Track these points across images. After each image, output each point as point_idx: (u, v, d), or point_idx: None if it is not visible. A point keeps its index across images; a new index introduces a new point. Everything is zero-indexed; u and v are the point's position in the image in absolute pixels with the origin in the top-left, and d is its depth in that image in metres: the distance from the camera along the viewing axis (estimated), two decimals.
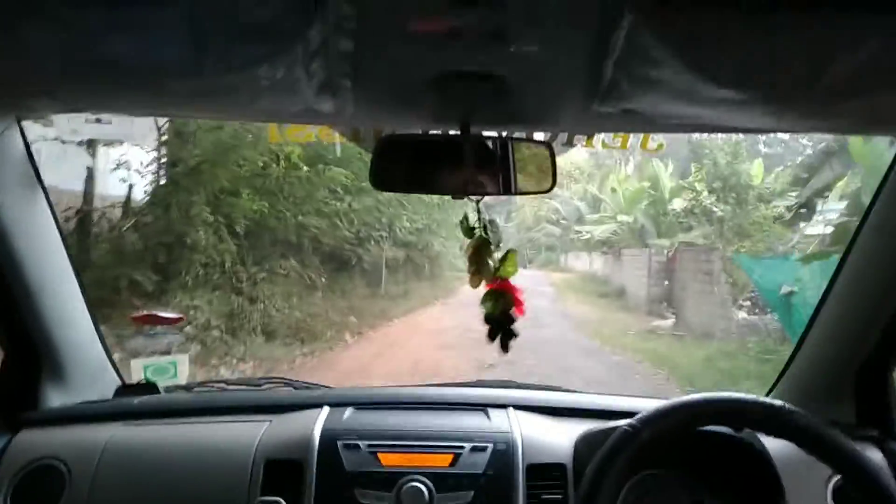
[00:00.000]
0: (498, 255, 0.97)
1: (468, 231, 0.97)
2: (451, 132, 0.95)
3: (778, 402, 0.86)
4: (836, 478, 1.08)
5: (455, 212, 13.58)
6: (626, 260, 16.50)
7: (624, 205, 17.31)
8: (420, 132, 0.95)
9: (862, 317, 1.03)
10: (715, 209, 11.17)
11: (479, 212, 0.95)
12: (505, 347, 0.98)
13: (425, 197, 12.05)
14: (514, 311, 0.97)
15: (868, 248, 1.08)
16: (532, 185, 1.02)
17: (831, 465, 0.84)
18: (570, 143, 1.00)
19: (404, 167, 1.00)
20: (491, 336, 0.97)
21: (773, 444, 1.05)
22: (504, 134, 0.96)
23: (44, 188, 1.07)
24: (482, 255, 0.97)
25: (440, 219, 14.86)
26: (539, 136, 0.96)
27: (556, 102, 0.82)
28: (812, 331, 1.12)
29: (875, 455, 1.04)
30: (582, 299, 14.44)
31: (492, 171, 1.00)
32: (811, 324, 1.13)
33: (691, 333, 8.81)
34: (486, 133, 0.97)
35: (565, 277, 22.92)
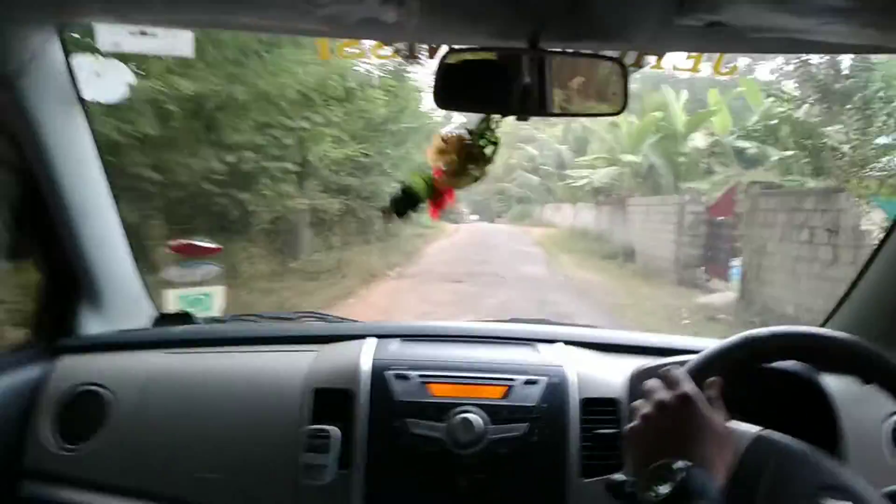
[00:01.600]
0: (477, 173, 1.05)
1: (481, 134, 1.04)
2: (519, 49, 0.98)
3: (855, 339, 0.89)
4: (894, 418, 1.14)
5: (418, 148, 12.29)
6: (634, 210, 14.08)
7: (628, 142, 15.01)
8: (485, 49, 0.92)
9: None
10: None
11: (497, 123, 1.04)
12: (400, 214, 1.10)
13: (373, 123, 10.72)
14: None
15: None
16: (601, 106, 1.07)
17: None
18: (637, 65, 0.97)
19: (469, 84, 1.01)
20: (389, 213, 1.10)
21: (828, 381, 1.12)
22: (573, 50, 1.02)
23: (84, 106, 1.05)
24: (470, 161, 1.05)
25: (397, 156, 12.41)
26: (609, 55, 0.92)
27: (634, 14, 0.81)
28: (873, 265, 1.28)
29: None
30: (581, 262, 12.77)
31: (562, 90, 1.03)
32: (873, 257, 1.27)
33: (779, 316, 6.89)
34: (555, 50, 1.00)
35: (549, 233, 21.01)
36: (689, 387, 0.80)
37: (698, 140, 13.03)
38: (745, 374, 0.94)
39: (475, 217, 36.87)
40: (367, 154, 10.42)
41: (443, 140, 1.04)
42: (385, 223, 12.08)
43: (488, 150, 1.04)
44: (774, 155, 10.26)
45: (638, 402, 0.83)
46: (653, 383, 0.83)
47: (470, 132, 1.02)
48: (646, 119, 13.84)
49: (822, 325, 1.32)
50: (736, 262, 8.89)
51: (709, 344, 0.94)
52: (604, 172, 15.67)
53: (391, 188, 11.91)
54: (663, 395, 0.80)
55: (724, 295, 8.41)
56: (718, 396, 0.82)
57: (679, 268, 10.68)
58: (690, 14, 0.80)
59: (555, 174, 22.26)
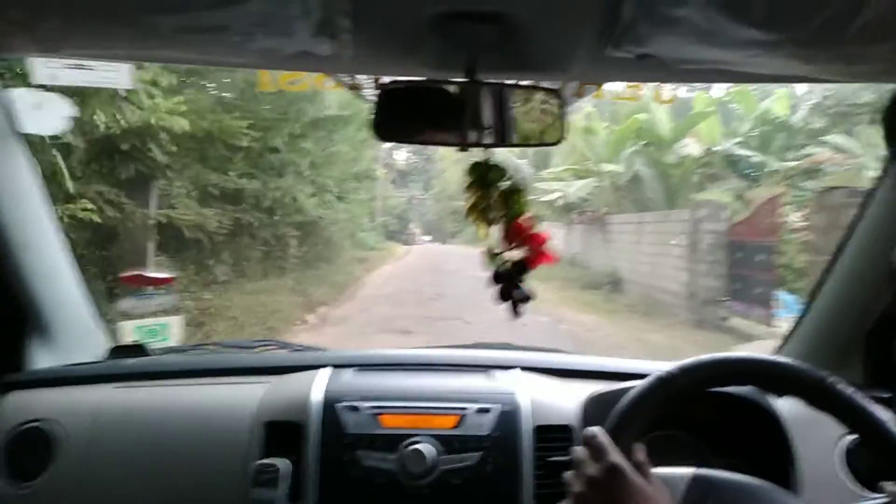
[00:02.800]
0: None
1: (480, 179, 1.04)
2: (456, 80, 1.05)
3: (821, 372, 0.94)
4: (846, 439, 1.22)
5: (339, 166, 11.59)
6: (619, 230, 13.39)
7: (607, 150, 14.17)
8: (423, 80, 0.96)
9: (873, 278, 1.12)
10: None
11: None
12: (515, 310, 1.03)
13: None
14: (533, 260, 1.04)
15: (882, 208, 1.27)
16: (542, 136, 1.14)
17: (846, 423, 0.93)
18: (579, 95, 1.03)
19: (408, 116, 1.09)
20: (503, 296, 1.03)
21: (780, 403, 1.20)
22: (511, 82, 1.15)
23: (22, 139, 1.10)
24: (511, 202, 1.03)
25: (321, 153, 10.78)
26: (547, 86, 0.98)
27: (566, 47, 0.88)
28: (822, 291, 1.26)
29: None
30: (560, 294, 11.33)
31: (499, 121, 1.11)
32: (821, 283, 1.44)
33: None
34: (491, 81, 1.09)
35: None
36: (614, 457, 0.88)
37: (691, 147, 12.52)
38: (696, 397, 1.03)
39: (427, 238, 36.47)
40: (272, 148, 8.36)
41: (476, 210, 1.05)
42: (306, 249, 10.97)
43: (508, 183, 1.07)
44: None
45: (569, 476, 0.92)
46: (580, 454, 0.92)
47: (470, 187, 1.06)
48: (625, 124, 13.37)
49: (778, 351, 1.39)
50: (787, 296, 8.03)
51: (663, 366, 1.00)
52: (580, 185, 14.98)
53: (313, 198, 10.25)
54: (591, 470, 0.89)
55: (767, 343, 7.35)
56: (645, 459, 0.91)
57: (693, 303, 9.30)
58: (621, 47, 0.88)
59: None
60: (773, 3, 0.71)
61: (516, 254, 1.03)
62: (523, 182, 1.06)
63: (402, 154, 39.23)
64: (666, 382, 0.95)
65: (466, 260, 17.37)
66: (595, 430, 0.91)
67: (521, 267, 1.02)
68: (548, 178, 16.89)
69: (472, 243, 26.03)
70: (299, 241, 10.66)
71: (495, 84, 1.08)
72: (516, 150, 19.25)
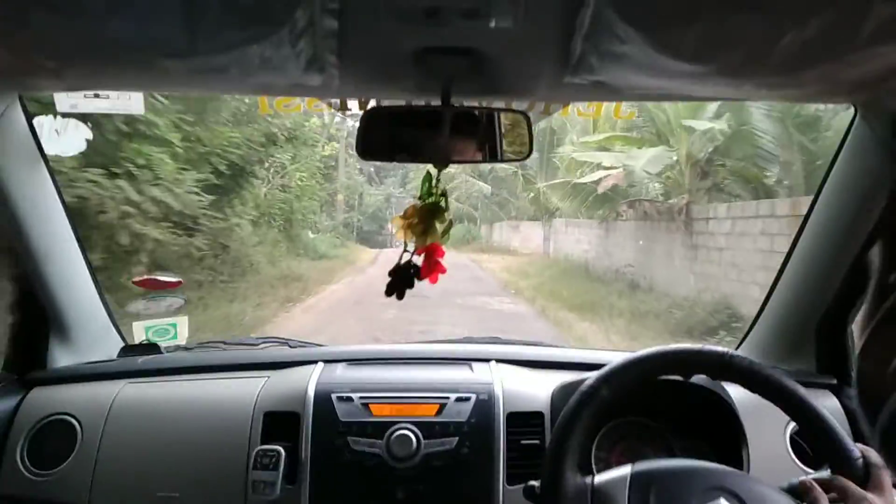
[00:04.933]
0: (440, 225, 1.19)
1: (427, 193, 1.17)
2: (434, 104, 1.14)
3: (722, 349, 1.07)
4: (793, 423, 1.31)
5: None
6: (717, 229, 8.63)
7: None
8: (403, 103, 1.07)
9: (822, 272, 1.31)
10: None
11: (437, 179, 1.17)
12: (401, 296, 1.17)
13: None
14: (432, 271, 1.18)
15: (829, 205, 1.36)
16: (511, 152, 1.26)
17: (782, 407, 1.03)
18: (546, 112, 1.15)
19: (389, 137, 1.20)
20: (391, 289, 1.17)
21: (736, 392, 1.29)
22: (484, 104, 1.29)
23: (46, 160, 1.22)
24: (432, 218, 1.17)
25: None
26: (518, 105, 1.08)
27: (530, 75, 1.01)
28: (777, 286, 1.38)
29: (831, 402, 1.23)
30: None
31: (473, 140, 1.22)
32: (777, 280, 1.30)
33: None
34: (466, 104, 1.22)
35: (517, 266, 13.68)
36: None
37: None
38: (648, 386, 1.13)
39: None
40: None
41: (402, 217, 1.22)
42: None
43: (442, 203, 1.22)
44: None
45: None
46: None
47: (420, 197, 1.21)
48: None
49: (735, 349, 1.49)
50: None
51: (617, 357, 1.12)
52: (651, 155, 9.46)
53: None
54: None
55: None
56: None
57: None
58: (577, 75, 0.99)
59: (519, 179, 17.48)
60: (699, 40, 0.81)
61: (419, 261, 1.17)
62: (452, 224, 1.16)
63: None
64: (591, 395, 1.03)
65: (455, 271, 10.23)
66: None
67: (416, 272, 1.16)
68: (582, 152, 11.54)
69: (459, 247, 19.84)
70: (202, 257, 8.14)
71: (469, 107, 1.20)
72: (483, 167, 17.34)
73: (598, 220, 11.77)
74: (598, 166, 10.69)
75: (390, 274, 1.18)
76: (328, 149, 19.82)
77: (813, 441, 1.01)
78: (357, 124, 1.18)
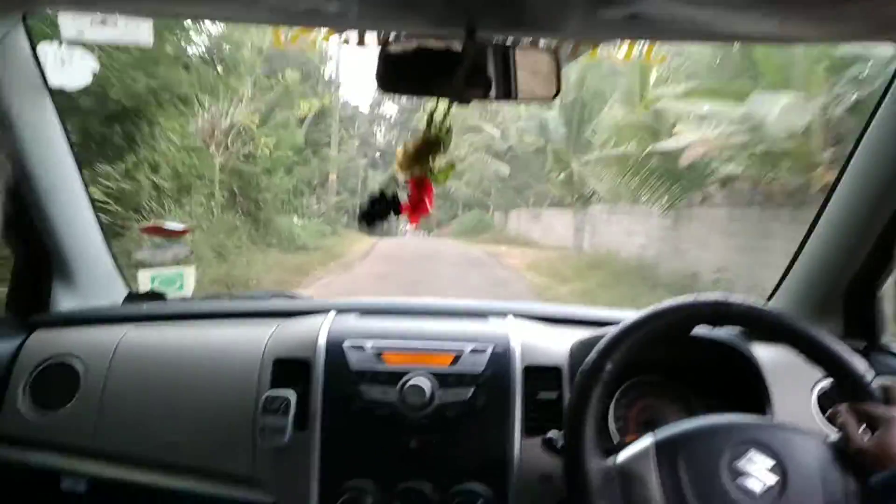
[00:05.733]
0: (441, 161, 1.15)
1: (430, 124, 1.14)
2: (456, 37, 1.09)
3: (763, 305, 1.03)
4: (821, 384, 1.29)
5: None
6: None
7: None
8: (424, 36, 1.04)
9: (853, 232, 1.24)
10: None
11: (445, 114, 1.14)
12: (371, 225, 1.17)
13: None
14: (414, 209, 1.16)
15: (864, 163, 1.20)
16: (535, 91, 1.15)
17: (820, 365, 0.99)
18: (574, 55, 1.08)
19: (407, 71, 1.14)
20: (363, 217, 1.16)
21: (760, 351, 1.27)
22: (509, 40, 1.03)
23: (50, 91, 1.17)
24: (429, 153, 1.13)
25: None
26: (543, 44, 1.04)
27: (561, 7, 0.92)
28: (807, 245, 1.32)
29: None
30: None
31: (495, 77, 1.16)
32: (807, 238, 1.24)
33: None
34: (490, 39, 1.15)
35: (547, 263, 10.90)
36: None
37: None
38: (674, 341, 1.06)
39: (408, 227, 26.26)
40: None
41: (403, 149, 1.20)
42: None
43: (444, 139, 1.20)
44: None
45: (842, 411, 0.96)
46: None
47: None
48: None
49: (767, 300, 1.44)
50: None
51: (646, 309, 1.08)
52: (786, 104, 6.86)
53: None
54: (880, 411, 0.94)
55: None
56: None
57: None
58: (613, 7, 0.92)
59: (548, 153, 14.40)
60: None
61: (403, 196, 1.17)
62: (454, 167, 1.18)
63: (381, 133, 38.60)
64: (637, 327, 1.01)
65: (468, 269, 9.47)
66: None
67: (396, 207, 1.16)
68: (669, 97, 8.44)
69: (469, 237, 17.04)
70: None
71: (493, 42, 1.14)
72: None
73: (664, 207, 8.72)
74: (671, 132, 7.72)
75: (370, 202, 1.16)
76: (306, 105, 15.61)
77: (834, 377, 0.97)
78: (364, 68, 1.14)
